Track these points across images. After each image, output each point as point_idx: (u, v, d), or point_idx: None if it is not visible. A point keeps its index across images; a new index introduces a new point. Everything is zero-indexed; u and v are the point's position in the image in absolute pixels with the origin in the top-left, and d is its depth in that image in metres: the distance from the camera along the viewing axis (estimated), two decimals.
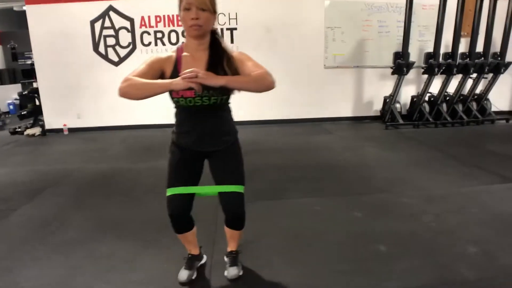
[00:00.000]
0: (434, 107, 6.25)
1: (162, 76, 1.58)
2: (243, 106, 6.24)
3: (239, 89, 1.54)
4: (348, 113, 6.64)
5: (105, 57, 6.10)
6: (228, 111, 1.76)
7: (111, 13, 5.95)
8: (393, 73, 5.88)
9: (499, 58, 6.09)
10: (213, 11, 1.54)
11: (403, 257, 2.14)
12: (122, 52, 6.10)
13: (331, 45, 6.29)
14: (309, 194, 3.22)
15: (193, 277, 1.96)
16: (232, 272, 1.94)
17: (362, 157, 4.39)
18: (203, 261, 2.10)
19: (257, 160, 4.24)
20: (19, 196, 3.40)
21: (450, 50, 5.98)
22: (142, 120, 6.31)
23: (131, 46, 6.09)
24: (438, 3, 5.63)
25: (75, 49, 6.02)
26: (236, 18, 6.08)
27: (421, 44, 6.40)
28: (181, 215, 1.77)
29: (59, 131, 6.25)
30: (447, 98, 6.38)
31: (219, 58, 1.60)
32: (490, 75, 6.25)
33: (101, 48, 6.07)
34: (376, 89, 6.51)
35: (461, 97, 6.42)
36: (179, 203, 1.73)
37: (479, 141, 5.08)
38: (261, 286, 1.94)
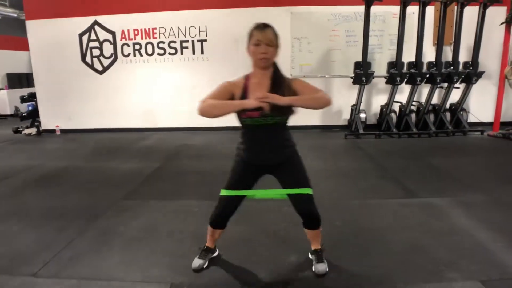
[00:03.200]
0: (403, 117, 6.17)
1: (232, 98, 1.88)
2: None
3: (302, 107, 1.82)
4: (317, 122, 6.74)
5: (91, 66, 6.79)
6: (287, 128, 1.99)
7: (96, 27, 6.63)
8: (353, 83, 5.91)
9: (471, 68, 5.87)
10: (277, 46, 1.85)
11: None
12: (106, 62, 6.75)
13: (297, 55, 6.46)
14: (201, 197, 3.44)
15: (204, 266, 2.21)
16: (320, 268, 2.11)
17: None
18: (215, 254, 2.33)
19: (186, 164, 4.63)
20: None
21: (429, 60, 5.95)
22: (122, 124, 6.90)
23: (113, 57, 6.72)
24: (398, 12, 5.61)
25: (66, 59, 6.78)
26: (206, 31, 6.48)
27: (392, 53, 6.33)
28: (227, 216, 2.09)
29: (52, 131, 7.06)
30: (420, 108, 6.27)
31: (280, 85, 1.87)
32: (463, 85, 6.05)
33: (88, 58, 6.77)
34: (345, 98, 6.54)
35: (436, 107, 6.27)
36: (229, 204, 2.05)
37: (428, 154, 4.94)
38: None
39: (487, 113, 6.56)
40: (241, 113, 1.84)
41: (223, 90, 1.88)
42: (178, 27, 6.50)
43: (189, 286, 2.05)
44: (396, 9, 5.98)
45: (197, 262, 2.21)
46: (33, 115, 7.14)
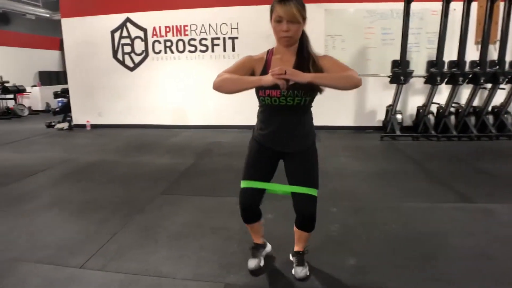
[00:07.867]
0: (441, 119, 5.90)
1: (252, 74, 1.70)
2: (245, 110, 6.57)
3: (326, 86, 1.57)
4: (349, 122, 6.52)
5: (122, 63, 6.80)
6: (309, 114, 1.81)
7: (128, 24, 6.63)
8: (391, 82, 5.68)
9: None
10: (302, 22, 1.60)
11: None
12: (137, 59, 6.75)
13: (331, 53, 6.08)
14: (238, 194, 3.33)
15: (261, 265, 2.05)
16: (299, 271, 1.97)
17: (329, 165, 4.30)
18: (268, 250, 2.17)
19: (219, 162, 4.54)
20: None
21: (471, 59, 5.66)
22: (152, 120, 6.89)
23: (144, 54, 6.71)
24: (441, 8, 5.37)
25: (98, 56, 6.83)
26: (237, 28, 6.39)
27: (430, 52, 6.07)
28: (250, 207, 1.86)
29: (83, 126, 7.10)
30: (459, 110, 5.98)
31: (305, 61, 1.65)
32: (509, 86, 5.74)
33: (119, 55, 6.79)
34: (380, 99, 6.31)
35: (477, 110, 5.97)
36: (250, 195, 1.82)
37: (473, 158, 4.66)
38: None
39: None
40: (259, 91, 1.66)
41: (243, 65, 1.68)
42: (210, 24, 6.43)
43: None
44: (434, 5, 5.76)
45: (252, 262, 2.04)
46: (65, 111, 7.22)
